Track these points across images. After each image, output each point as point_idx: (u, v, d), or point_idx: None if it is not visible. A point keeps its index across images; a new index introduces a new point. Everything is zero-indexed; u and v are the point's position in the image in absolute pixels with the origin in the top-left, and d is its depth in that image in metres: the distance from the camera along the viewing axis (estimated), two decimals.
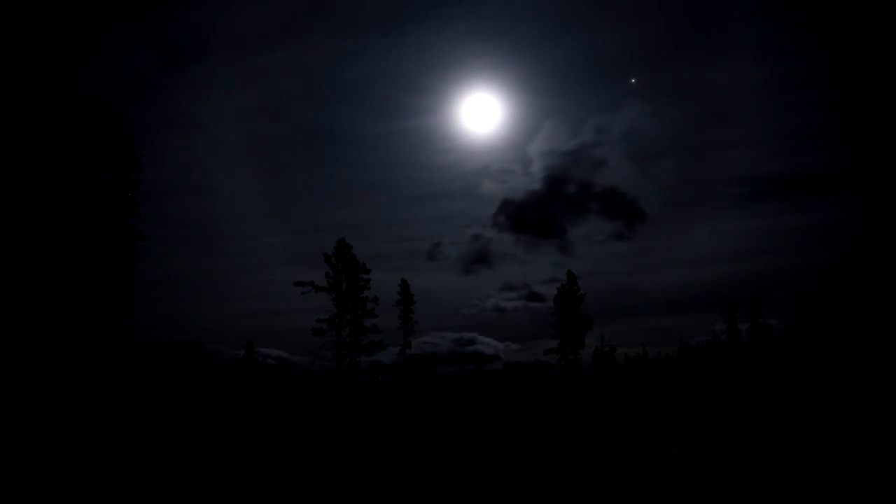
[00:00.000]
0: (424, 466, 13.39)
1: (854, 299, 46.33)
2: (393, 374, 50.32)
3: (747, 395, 31.02)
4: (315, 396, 33.91)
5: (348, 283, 35.12)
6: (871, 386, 27.92)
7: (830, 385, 30.81)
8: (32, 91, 24.62)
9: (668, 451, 15.23)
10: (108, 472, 11.95)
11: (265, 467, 13.12)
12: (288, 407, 28.00)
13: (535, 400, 36.53)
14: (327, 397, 32.66)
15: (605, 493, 10.71)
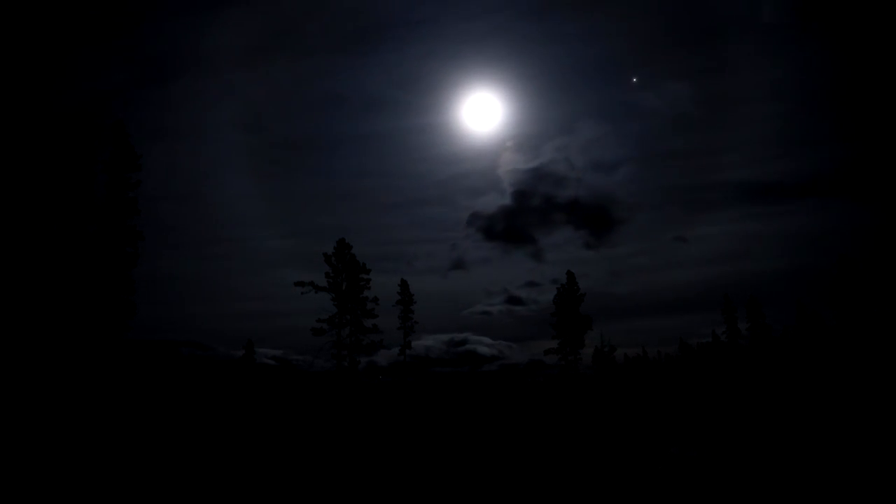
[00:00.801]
0: (426, 467, 13.39)
1: (853, 299, 46.33)
2: (392, 374, 50.30)
3: (747, 395, 31.02)
4: (315, 396, 33.88)
5: (348, 283, 35.06)
6: (871, 385, 27.92)
7: (830, 385, 30.81)
8: (30, 95, 24.68)
9: (668, 451, 15.23)
10: (108, 472, 11.94)
11: (265, 466, 13.12)
12: (287, 407, 27.98)
13: (535, 400, 36.53)
14: (327, 397, 32.63)
15: (606, 493, 10.71)
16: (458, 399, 38.11)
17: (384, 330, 35.85)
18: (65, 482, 11.09)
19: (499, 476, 12.20)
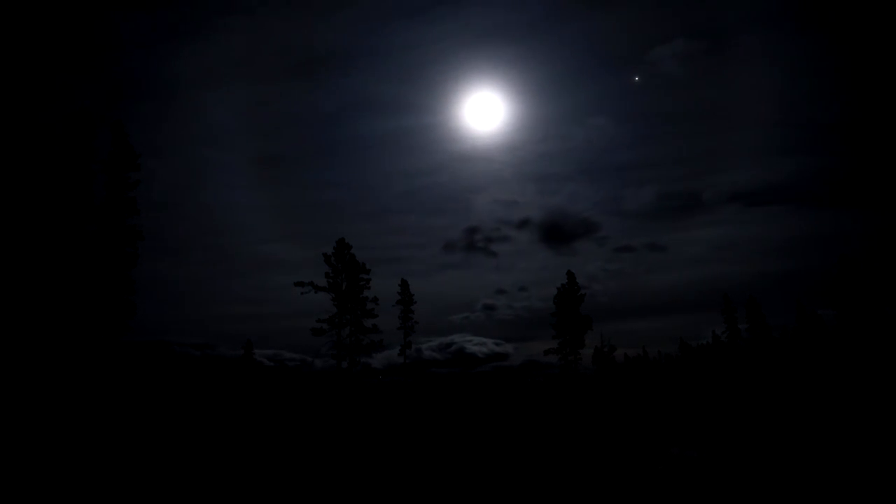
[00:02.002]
0: (431, 466, 13.38)
1: (854, 299, 46.28)
2: (390, 375, 50.28)
3: (747, 395, 31.01)
4: (315, 396, 33.85)
5: (348, 283, 35.01)
6: (871, 385, 27.91)
7: (830, 385, 30.80)
8: (29, 96, 24.72)
9: (668, 451, 15.23)
10: (109, 471, 11.93)
11: (265, 465, 13.11)
12: (288, 407, 27.97)
13: (536, 399, 36.52)
14: (328, 397, 32.60)
15: (606, 493, 10.70)
16: (459, 399, 38.10)
17: (382, 330, 35.80)
18: (64, 481, 11.07)
19: (500, 475, 12.19)
